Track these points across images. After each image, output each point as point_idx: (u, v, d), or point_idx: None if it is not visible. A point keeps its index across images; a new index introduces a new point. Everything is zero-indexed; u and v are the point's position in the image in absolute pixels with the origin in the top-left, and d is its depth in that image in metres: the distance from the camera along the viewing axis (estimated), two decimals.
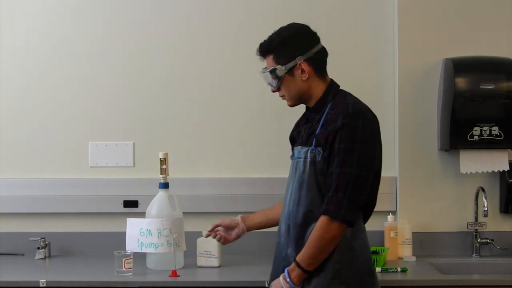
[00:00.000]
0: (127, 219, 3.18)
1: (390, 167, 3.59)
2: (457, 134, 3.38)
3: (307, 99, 2.71)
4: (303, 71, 2.66)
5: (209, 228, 2.99)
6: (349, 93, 2.71)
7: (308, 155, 2.63)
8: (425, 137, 3.53)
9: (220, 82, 3.62)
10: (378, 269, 3.14)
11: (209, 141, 3.61)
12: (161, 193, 3.22)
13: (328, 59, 2.97)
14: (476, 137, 3.37)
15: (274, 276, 2.70)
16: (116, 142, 3.65)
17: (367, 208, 2.69)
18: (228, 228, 2.95)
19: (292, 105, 2.75)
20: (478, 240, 3.48)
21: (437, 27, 3.53)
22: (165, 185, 3.23)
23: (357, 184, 2.53)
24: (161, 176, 3.23)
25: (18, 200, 3.60)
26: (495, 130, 3.36)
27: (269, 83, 2.72)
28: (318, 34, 2.71)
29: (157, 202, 3.21)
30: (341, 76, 3.58)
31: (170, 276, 3.05)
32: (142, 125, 3.65)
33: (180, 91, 3.64)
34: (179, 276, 3.04)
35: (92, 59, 3.64)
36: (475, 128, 3.36)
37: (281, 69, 2.66)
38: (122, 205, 3.58)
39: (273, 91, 2.74)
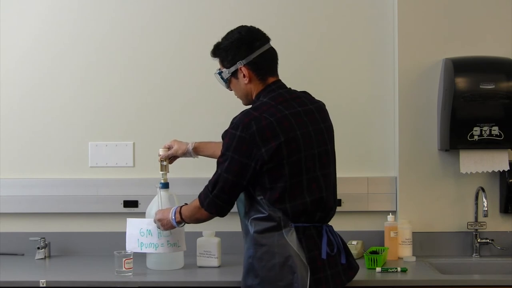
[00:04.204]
0: (127, 219, 3.18)
1: (390, 167, 3.60)
2: (457, 134, 3.38)
3: (251, 100, 2.85)
4: (244, 75, 2.80)
5: (164, 154, 3.21)
6: (264, 101, 2.76)
7: None
8: (425, 137, 3.53)
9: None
10: (378, 269, 3.14)
11: (209, 140, 3.61)
12: (161, 193, 3.21)
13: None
14: (476, 137, 3.37)
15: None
16: (116, 142, 3.65)
17: (306, 206, 2.71)
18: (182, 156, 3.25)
19: (245, 105, 2.89)
20: (478, 240, 3.48)
21: (437, 27, 3.52)
22: (165, 185, 3.22)
23: (225, 185, 2.73)
24: (161, 172, 3.22)
25: (18, 200, 3.60)
26: (495, 130, 3.36)
27: (221, 83, 2.90)
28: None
29: (157, 202, 3.20)
30: (341, 76, 3.62)
31: None
32: (142, 125, 3.65)
33: (180, 91, 3.64)
34: None
35: (92, 59, 3.64)
36: (475, 128, 3.36)
37: (225, 72, 2.85)
38: (122, 205, 3.58)
39: (230, 90, 2.92)
